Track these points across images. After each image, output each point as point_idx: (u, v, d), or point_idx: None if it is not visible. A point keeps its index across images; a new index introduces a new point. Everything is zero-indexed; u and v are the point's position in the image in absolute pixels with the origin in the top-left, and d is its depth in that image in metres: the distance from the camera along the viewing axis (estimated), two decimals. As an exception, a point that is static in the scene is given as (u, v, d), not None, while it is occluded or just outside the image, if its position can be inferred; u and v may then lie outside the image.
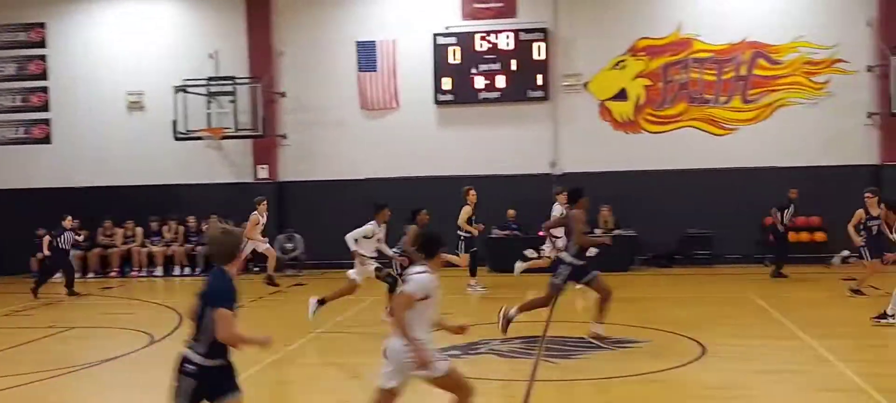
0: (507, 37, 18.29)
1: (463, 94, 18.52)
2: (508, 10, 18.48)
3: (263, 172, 19.41)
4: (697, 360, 9.31)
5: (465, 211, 14.69)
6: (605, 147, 18.14)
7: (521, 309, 10.42)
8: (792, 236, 17.13)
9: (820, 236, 17.16)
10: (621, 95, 18.16)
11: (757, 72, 17.66)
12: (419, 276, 5.83)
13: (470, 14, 18.61)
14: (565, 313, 12.87)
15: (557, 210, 13.98)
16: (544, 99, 18.28)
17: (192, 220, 19.19)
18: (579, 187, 10.76)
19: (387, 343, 5.86)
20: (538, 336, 10.80)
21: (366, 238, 11.87)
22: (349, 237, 11.82)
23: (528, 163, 18.30)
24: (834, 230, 16.84)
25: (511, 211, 17.93)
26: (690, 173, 17.63)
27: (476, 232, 14.82)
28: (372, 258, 12.02)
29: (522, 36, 18.23)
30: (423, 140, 18.77)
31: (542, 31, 18.15)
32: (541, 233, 14.64)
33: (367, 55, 19.01)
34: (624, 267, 16.98)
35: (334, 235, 18.14)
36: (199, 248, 18.61)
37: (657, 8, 18.07)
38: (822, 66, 17.41)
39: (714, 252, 17.12)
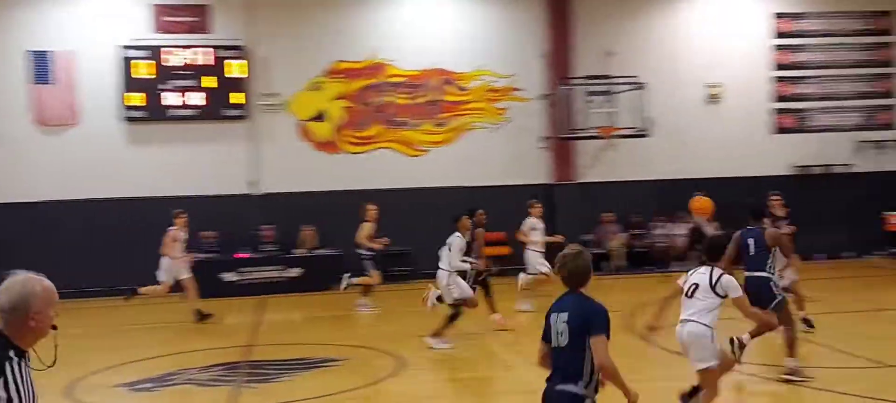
0: (205, 53, 17.71)
1: (154, 111, 17.60)
2: (203, 26, 17.91)
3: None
4: (395, 375, 9.63)
5: (367, 228, 14.30)
6: (305, 167, 18.19)
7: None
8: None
9: (504, 250, 18.52)
10: (320, 116, 18.35)
11: (446, 97, 18.74)
12: (727, 277, 6.92)
13: (162, 27, 17.77)
14: (267, 336, 12.75)
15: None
16: (243, 117, 17.94)
17: None
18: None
19: (681, 332, 6.86)
20: (238, 362, 10.57)
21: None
22: (450, 259, 11.50)
23: (227, 183, 17.84)
24: (514, 245, 18.40)
25: (209, 233, 17.33)
26: (389, 193, 18.21)
27: (380, 247, 14.58)
28: (463, 273, 11.80)
29: (219, 53, 17.75)
30: (108, 159, 17.56)
31: (239, 48, 17.81)
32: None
33: (40, 66, 17.42)
34: (328, 286, 17.15)
35: (8, 264, 16.39)
36: None
37: (354, 32, 18.51)
38: (503, 94, 18.91)
39: (413, 267, 17.83)
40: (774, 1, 19.65)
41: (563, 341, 4.81)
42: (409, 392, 9.08)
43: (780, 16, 19.66)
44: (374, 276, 14.68)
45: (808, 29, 19.78)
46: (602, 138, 18.26)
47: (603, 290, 16.61)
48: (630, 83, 18.17)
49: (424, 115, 18.70)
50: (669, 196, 18.85)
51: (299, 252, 17.62)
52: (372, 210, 14.60)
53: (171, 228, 14.14)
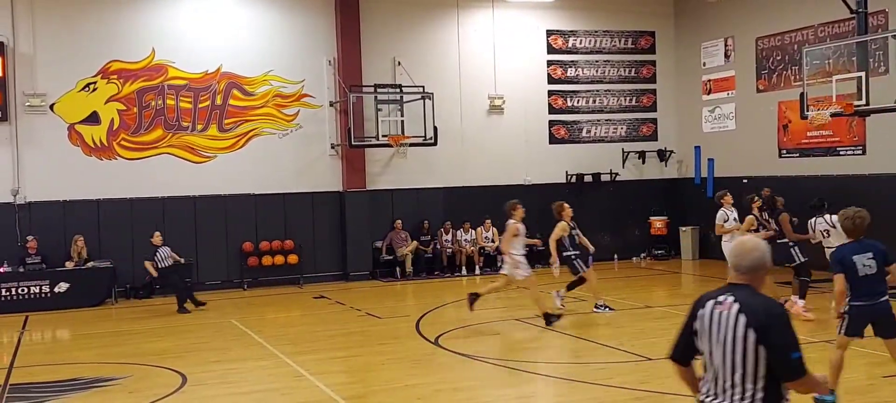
0: (-46, 47, 16.04)
1: None
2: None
3: None
4: (179, 390, 9.24)
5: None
6: (76, 174, 16.93)
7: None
8: (267, 260, 18.06)
9: (293, 258, 18.25)
10: (93, 118, 17.15)
11: (232, 102, 18.13)
12: None
13: None
14: (33, 356, 11.78)
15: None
16: (2, 120, 16.41)
17: None
18: None
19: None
20: None
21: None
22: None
23: (-13, 190, 16.28)
24: (305, 253, 18.23)
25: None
26: (170, 200, 17.40)
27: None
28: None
29: (-26, 48, 16.15)
30: None
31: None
32: None
33: None
34: (100, 300, 16.10)
35: None
36: None
37: (130, 31, 17.44)
38: (292, 100, 18.61)
39: (194, 279, 17.05)
40: (549, 19, 20.78)
41: None
42: None
43: (550, 33, 20.83)
44: None
45: (578, 46, 21.12)
46: (391, 146, 18.47)
47: (395, 295, 17.00)
48: (418, 92, 18.53)
49: (209, 120, 18.01)
50: (456, 202, 19.48)
51: (69, 265, 16.34)
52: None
53: None
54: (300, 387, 9.30)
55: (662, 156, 21.63)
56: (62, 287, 16.08)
